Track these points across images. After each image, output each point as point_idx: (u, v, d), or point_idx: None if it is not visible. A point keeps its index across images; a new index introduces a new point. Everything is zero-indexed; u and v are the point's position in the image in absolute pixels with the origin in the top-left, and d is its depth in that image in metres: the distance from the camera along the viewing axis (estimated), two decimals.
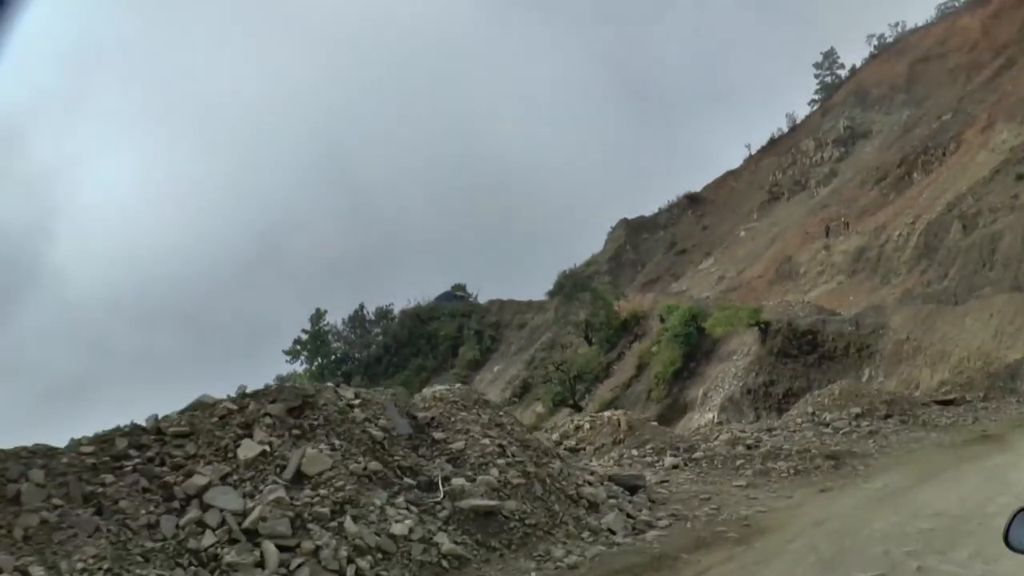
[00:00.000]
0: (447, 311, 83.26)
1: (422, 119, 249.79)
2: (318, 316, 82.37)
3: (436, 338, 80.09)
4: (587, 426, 19.80)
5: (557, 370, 52.74)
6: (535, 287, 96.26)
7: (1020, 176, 48.44)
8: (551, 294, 77.33)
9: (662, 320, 52.12)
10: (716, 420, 41.06)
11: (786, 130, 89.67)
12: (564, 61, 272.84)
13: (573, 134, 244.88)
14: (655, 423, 22.59)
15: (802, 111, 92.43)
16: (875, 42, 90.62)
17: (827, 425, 20.87)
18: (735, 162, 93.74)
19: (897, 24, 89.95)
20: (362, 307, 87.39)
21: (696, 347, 48.34)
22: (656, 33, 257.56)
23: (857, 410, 21.84)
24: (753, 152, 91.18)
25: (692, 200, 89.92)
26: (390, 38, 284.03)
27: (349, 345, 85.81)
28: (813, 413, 22.28)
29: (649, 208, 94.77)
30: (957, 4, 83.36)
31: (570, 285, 63.76)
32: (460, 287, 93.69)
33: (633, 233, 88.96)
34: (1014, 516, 4.40)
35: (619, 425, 18.96)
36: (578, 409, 50.86)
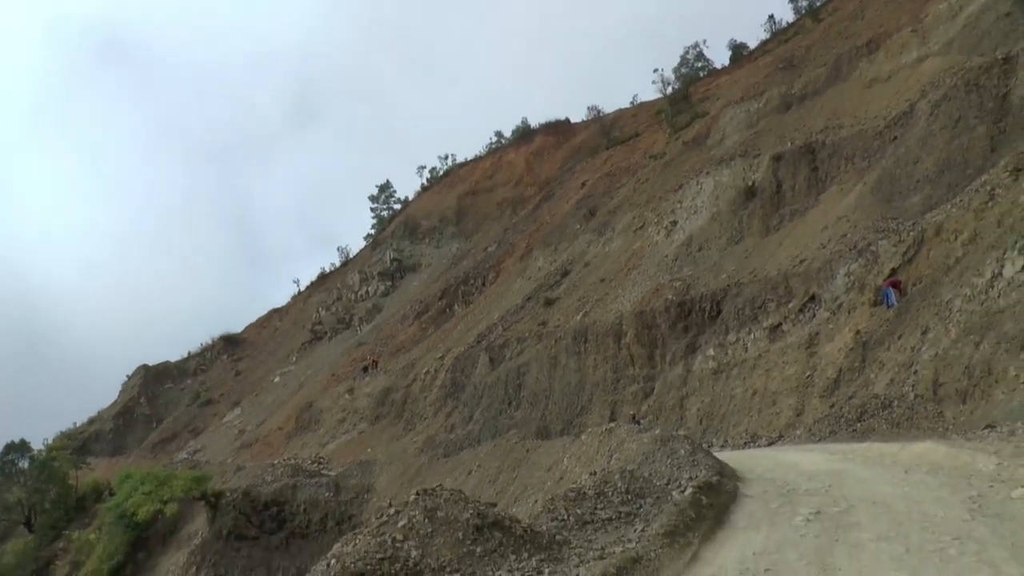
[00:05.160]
0: None
1: None
2: None
3: None
4: None
5: None
6: None
7: (549, 301, 43.04)
8: None
9: (111, 494, 37.77)
10: None
11: (339, 265, 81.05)
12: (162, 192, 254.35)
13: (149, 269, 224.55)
14: None
15: (358, 246, 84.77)
16: (427, 175, 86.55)
17: None
18: (284, 300, 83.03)
19: (447, 157, 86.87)
20: None
21: (150, 530, 34.62)
22: (255, 172, 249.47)
23: None
24: (302, 289, 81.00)
25: (229, 343, 76.62)
26: None
27: None
28: None
29: (179, 352, 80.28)
30: (504, 141, 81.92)
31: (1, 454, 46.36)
32: None
33: (153, 382, 73.06)
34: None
35: None
36: None
